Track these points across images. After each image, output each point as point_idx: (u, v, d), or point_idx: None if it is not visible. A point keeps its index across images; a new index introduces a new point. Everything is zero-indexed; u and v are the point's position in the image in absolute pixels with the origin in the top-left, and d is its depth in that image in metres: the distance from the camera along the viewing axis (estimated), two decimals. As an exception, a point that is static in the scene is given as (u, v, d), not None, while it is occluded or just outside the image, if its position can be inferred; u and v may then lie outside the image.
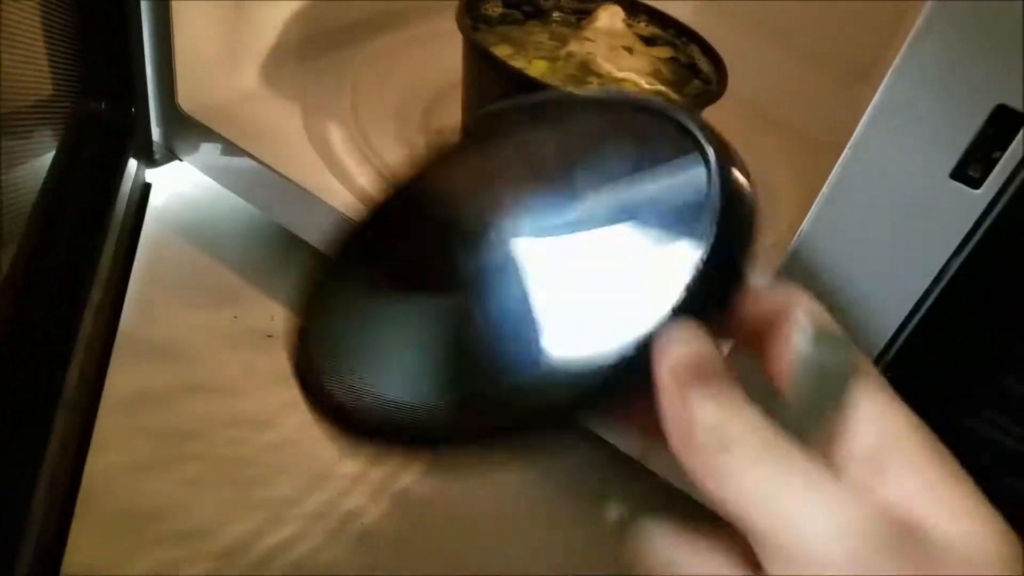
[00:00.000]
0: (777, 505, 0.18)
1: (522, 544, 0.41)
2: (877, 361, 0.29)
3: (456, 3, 0.46)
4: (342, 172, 0.48)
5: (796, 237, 0.30)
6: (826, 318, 0.20)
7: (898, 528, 0.17)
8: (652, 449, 0.26)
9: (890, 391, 0.20)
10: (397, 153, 0.49)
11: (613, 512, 0.22)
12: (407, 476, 0.42)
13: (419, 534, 0.40)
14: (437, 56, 0.56)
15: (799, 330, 0.20)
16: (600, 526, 0.22)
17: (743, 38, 0.47)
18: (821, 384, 0.19)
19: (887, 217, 0.27)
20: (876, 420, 0.19)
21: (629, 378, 0.19)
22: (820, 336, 0.19)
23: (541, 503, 0.42)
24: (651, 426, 0.20)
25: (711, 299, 0.20)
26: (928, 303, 0.27)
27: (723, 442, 0.18)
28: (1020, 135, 0.24)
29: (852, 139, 0.28)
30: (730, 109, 0.45)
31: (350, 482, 0.41)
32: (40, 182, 0.39)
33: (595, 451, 0.42)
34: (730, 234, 0.20)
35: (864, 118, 0.27)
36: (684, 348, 0.19)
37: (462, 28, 0.45)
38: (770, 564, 0.18)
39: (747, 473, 0.18)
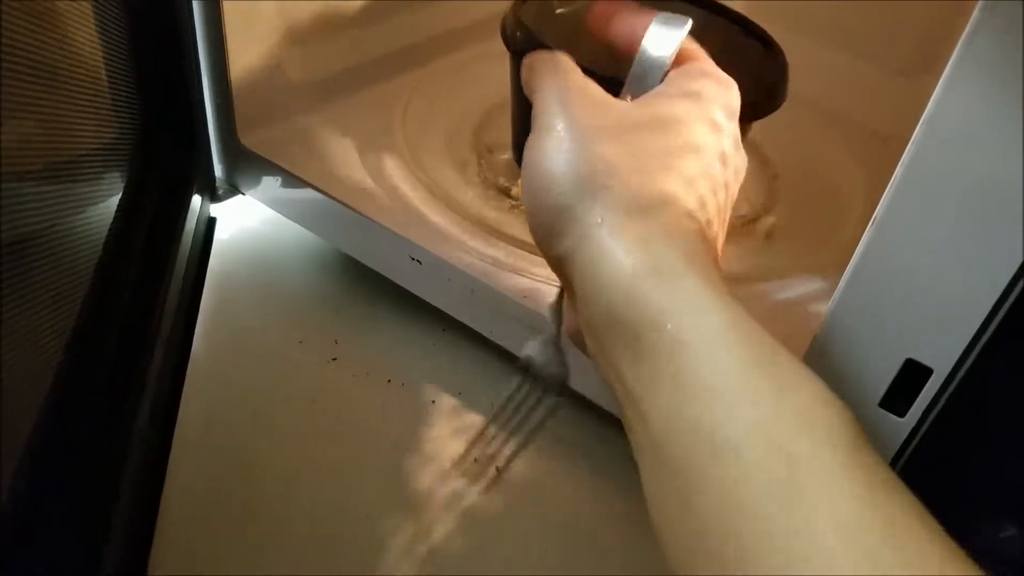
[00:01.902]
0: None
1: (589, 564, 0.40)
2: (972, 344, 0.27)
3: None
4: (399, 197, 0.48)
5: (870, 226, 0.28)
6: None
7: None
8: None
9: None
10: (450, 174, 0.49)
11: None
12: (473, 494, 0.41)
13: (486, 554, 0.39)
14: (482, 78, 0.56)
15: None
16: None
17: (792, 36, 0.46)
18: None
19: (970, 193, 0.25)
20: None
21: None
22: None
23: (611, 523, 0.41)
24: None
25: None
26: None
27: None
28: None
29: (924, 115, 0.26)
30: (786, 105, 0.43)
31: (417, 501, 0.41)
32: (109, 222, 0.40)
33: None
34: None
35: (936, 90, 0.25)
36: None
37: (507, 44, 0.44)
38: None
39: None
